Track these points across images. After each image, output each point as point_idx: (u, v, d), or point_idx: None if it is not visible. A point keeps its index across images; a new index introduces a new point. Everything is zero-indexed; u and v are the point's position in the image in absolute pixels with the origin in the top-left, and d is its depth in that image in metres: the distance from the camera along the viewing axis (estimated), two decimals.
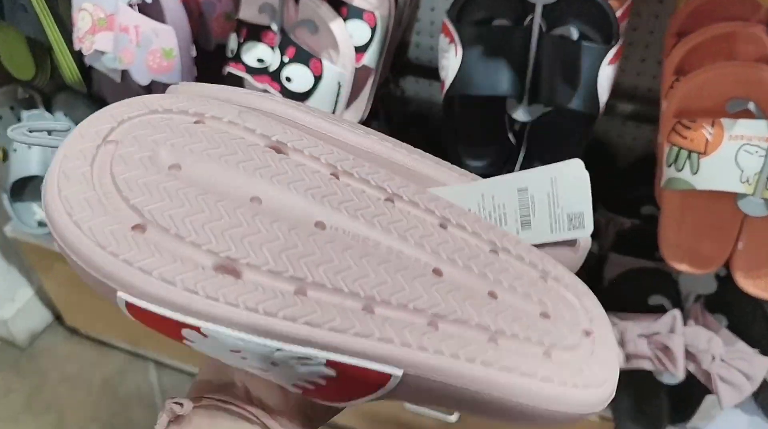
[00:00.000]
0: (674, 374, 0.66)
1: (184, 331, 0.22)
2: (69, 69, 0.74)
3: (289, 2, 0.64)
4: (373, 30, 0.65)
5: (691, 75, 0.55)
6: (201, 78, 0.69)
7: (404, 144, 0.29)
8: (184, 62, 0.64)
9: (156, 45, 0.62)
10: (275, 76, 0.65)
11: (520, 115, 0.62)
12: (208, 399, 0.27)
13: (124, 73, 0.68)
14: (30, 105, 0.93)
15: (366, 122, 0.72)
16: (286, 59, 0.64)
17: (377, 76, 0.70)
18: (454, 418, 0.86)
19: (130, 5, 0.63)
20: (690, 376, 0.67)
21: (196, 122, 0.25)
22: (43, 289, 1.17)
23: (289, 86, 0.64)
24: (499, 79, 0.58)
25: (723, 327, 0.68)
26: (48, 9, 0.70)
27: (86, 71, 0.75)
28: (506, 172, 0.29)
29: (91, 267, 0.22)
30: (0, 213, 0.99)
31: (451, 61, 0.59)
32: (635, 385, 0.74)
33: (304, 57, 0.63)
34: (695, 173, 0.54)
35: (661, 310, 0.69)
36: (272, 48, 0.65)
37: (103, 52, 0.65)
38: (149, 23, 0.62)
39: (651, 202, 0.69)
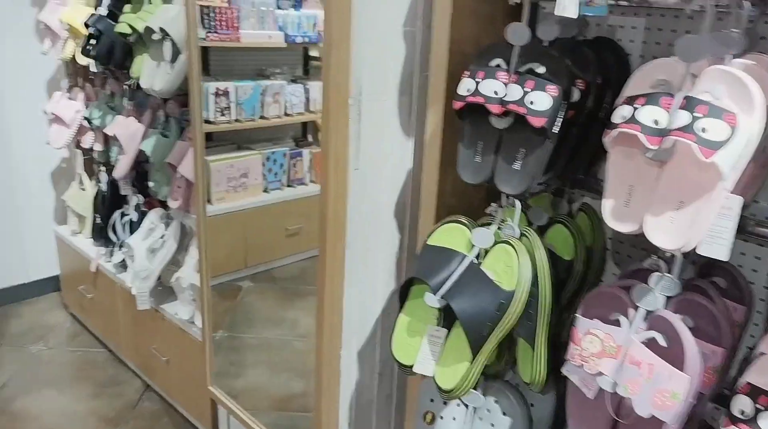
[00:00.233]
0: None
1: None
2: (537, 372, 0.84)
3: None
4: None
5: None
6: None
7: None
8: (685, 406, 0.68)
9: (666, 386, 0.68)
10: None
11: None
12: None
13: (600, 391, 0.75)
14: None
15: None
16: None
17: None
18: None
19: (644, 343, 0.71)
20: None
21: None
22: None
23: None
24: None
25: None
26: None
27: None
28: None
29: None
30: None
31: None
32: None
33: None
34: None
35: None
36: None
37: (601, 373, 0.73)
38: (666, 367, 0.69)
39: None
